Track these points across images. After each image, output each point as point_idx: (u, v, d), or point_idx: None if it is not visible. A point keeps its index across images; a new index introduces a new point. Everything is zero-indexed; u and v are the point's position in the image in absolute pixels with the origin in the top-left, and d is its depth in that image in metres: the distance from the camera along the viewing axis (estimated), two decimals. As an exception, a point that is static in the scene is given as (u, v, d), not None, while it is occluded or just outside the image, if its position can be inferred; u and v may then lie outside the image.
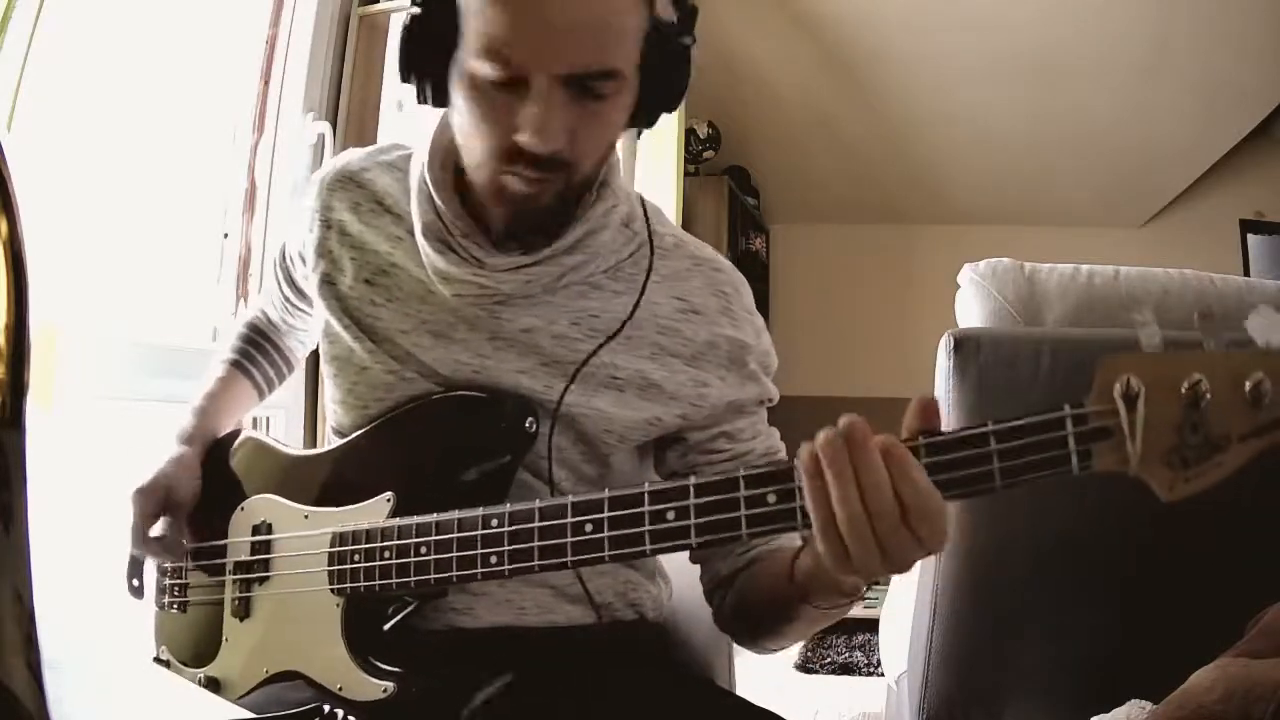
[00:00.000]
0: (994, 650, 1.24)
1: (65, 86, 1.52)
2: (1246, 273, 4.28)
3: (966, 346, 1.24)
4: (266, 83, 2.10)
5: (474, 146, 0.79)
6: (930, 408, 0.63)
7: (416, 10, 0.77)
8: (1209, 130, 3.97)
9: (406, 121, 2.26)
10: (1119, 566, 1.21)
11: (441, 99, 0.80)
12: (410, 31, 0.77)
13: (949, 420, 1.25)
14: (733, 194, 4.22)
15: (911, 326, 3.98)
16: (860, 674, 2.73)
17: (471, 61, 0.74)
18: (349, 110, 2.16)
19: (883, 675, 1.78)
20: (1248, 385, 0.55)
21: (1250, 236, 4.34)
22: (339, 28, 2.17)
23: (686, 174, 3.70)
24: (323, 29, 2.13)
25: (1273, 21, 3.28)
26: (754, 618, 0.87)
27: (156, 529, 0.93)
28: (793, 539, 0.88)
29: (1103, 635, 1.21)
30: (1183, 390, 0.56)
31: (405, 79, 0.80)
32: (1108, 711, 1.07)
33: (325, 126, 2.09)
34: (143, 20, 1.78)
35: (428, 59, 0.78)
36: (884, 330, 4.59)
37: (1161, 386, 0.57)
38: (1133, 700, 1.07)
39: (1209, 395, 0.56)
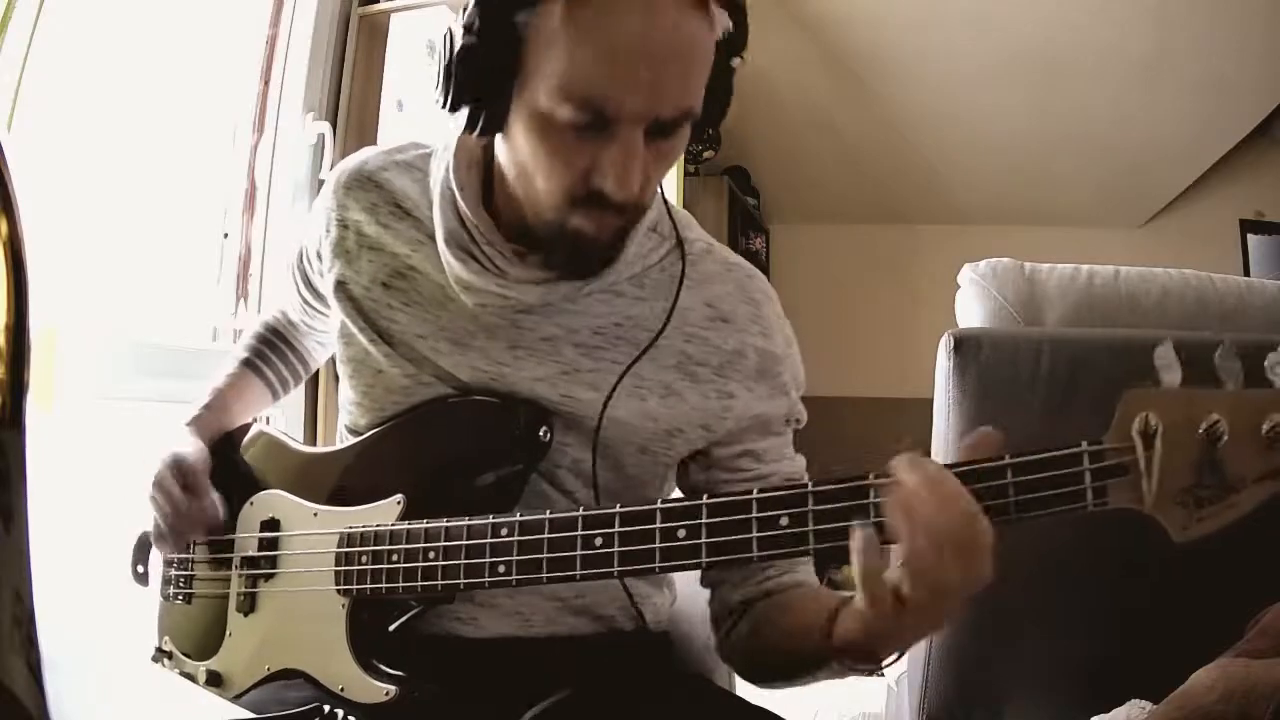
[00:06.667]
0: (994, 650, 1.24)
1: (65, 86, 1.52)
2: (1246, 273, 4.27)
3: (966, 346, 1.24)
4: (266, 83, 2.10)
5: (540, 186, 0.76)
6: (991, 441, 0.61)
7: (470, 40, 0.72)
8: (1209, 130, 3.96)
9: (407, 121, 2.26)
10: (1119, 567, 1.21)
11: (496, 127, 0.76)
12: (461, 60, 0.72)
13: (949, 420, 1.24)
14: (733, 194, 4.21)
15: (911, 326, 3.97)
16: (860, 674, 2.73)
17: (547, 102, 0.70)
18: (349, 110, 2.16)
19: (883, 675, 1.78)
20: (1265, 427, 0.55)
21: (1250, 236, 4.33)
22: (339, 28, 2.17)
23: (686, 174, 3.69)
24: (323, 29, 2.13)
25: (1273, 21, 3.27)
26: (768, 658, 0.84)
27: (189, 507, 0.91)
28: (810, 576, 0.87)
29: (1103, 635, 1.20)
30: (1201, 430, 0.56)
31: (454, 108, 0.75)
32: (1108, 711, 1.07)
33: (325, 126, 2.09)
34: (142, 20, 1.77)
35: (484, 88, 0.73)
36: (884, 330, 4.58)
37: (1180, 425, 0.56)
38: (1133, 700, 1.07)
39: (1226, 436, 0.55)
